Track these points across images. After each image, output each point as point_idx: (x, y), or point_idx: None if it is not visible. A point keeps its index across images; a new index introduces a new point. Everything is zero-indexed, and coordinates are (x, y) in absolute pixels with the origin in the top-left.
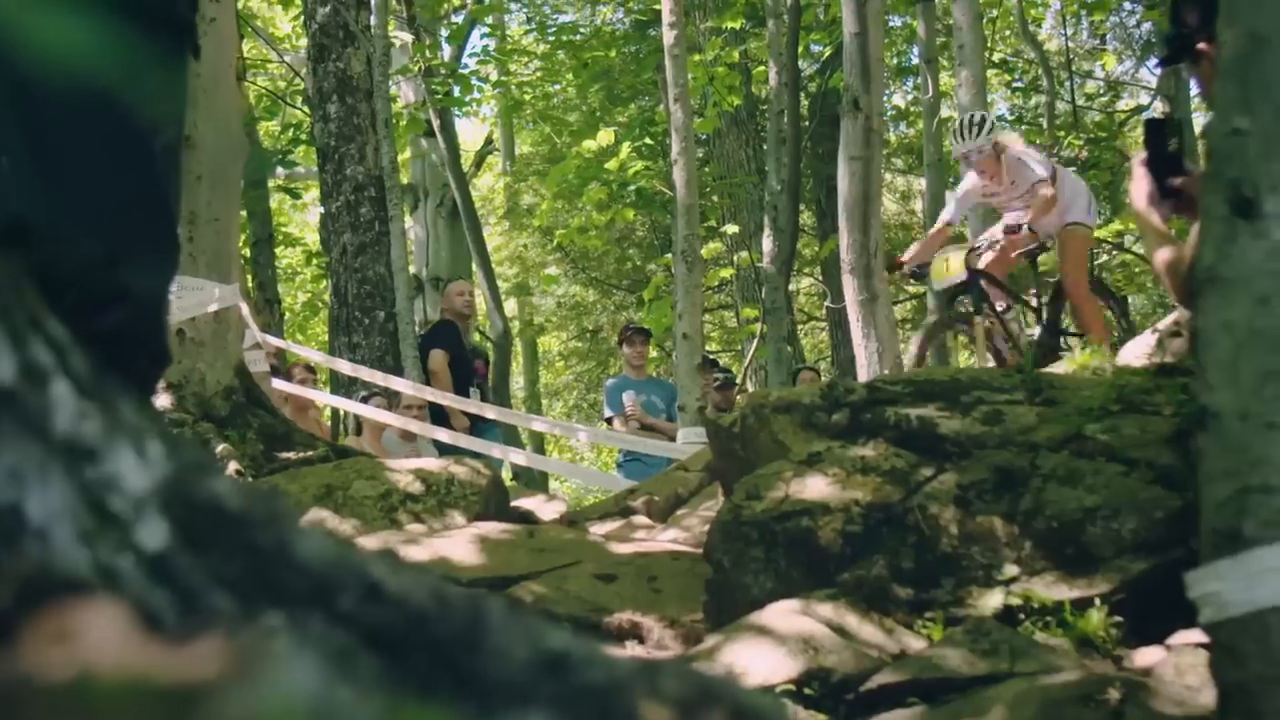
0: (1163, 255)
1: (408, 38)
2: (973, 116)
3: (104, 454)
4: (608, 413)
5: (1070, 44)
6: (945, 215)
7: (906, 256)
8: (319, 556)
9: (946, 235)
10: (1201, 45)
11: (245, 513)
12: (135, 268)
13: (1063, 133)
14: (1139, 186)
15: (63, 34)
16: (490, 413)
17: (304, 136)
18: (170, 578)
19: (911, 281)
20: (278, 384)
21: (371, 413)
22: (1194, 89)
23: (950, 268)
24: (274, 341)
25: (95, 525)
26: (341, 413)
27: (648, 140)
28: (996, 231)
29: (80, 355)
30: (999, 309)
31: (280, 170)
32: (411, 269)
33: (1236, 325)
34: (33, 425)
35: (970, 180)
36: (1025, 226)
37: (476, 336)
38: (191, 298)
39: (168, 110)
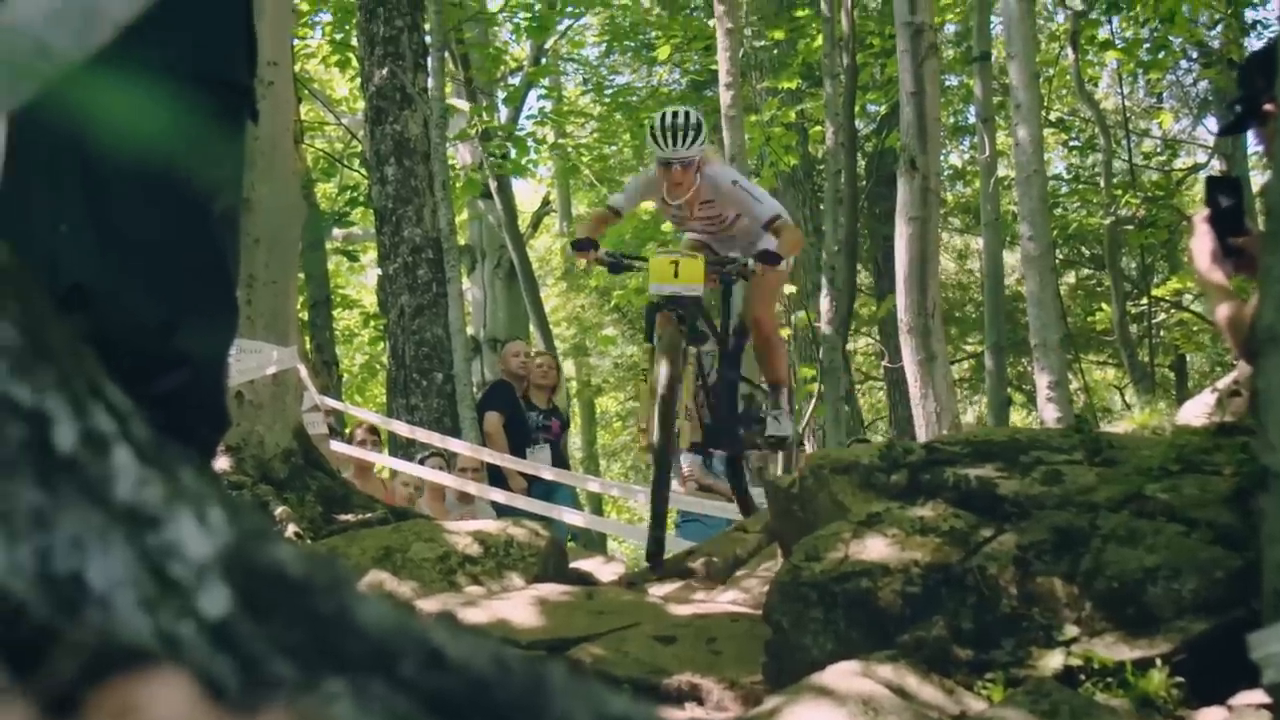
0: (1224, 311)
1: (464, 105)
2: (688, 116)
3: (165, 521)
4: None
5: (1127, 102)
6: (615, 202)
7: (584, 232)
8: (380, 623)
9: (607, 220)
10: (1268, 106)
11: (306, 579)
12: (194, 332)
13: (1120, 191)
14: (1201, 243)
15: (123, 108)
16: (548, 474)
17: (361, 198)
18: (232, 645)
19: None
20: (336, 446)
21: (429, 474)
22: (1252, 146)
23: (683, 273)
24: (332, 404)
25: (157, 593)
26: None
27: None
28: (734, 254)
29: (141, 421)
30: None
31: (338, 232)
32: (469, 330)
33: None
34: (94, 493)
35: (650, 180)
36: (786, 262)
37: (560, 398)
38: (250, 360)
39: (226, 175)
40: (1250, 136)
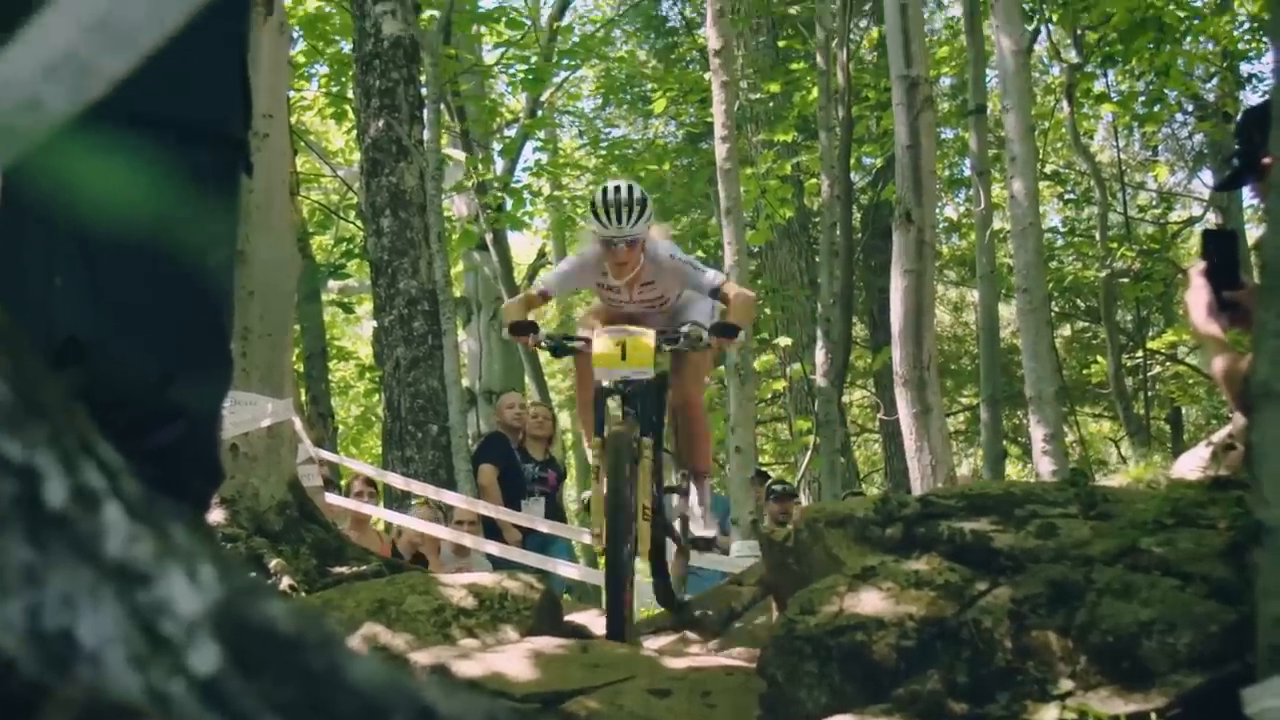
0: (1220, 364)
1: (460, 156)
2: (631, 191)
3: (156, 578)
4: None
5: (1122, 155)
6: (547, 284)
7: (519, 315)
8: (371, 680)
9: (536, 304)
10: (1265, 160)
11: (298, 636)
12: (189, 386)
13: (1115, 244)
14: (1197, 296)
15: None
16: (543, 526)
17: (357, 250)
18: (223, 702)
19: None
20: (331, 499)
21: (423, 526)
22: (1248, 200)
23: (631, 354)
24: (327, 456)
25: (147, 650)
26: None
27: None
28: (685, 328)
29: (132, 478)
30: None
31: (333, 284)
32: (464, 382)
33: None
34: (85, 549)
35: (589, 260)
36: (741, 333)
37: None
38: (245, 412)
39: (220, 229)
40: (1246, 190)
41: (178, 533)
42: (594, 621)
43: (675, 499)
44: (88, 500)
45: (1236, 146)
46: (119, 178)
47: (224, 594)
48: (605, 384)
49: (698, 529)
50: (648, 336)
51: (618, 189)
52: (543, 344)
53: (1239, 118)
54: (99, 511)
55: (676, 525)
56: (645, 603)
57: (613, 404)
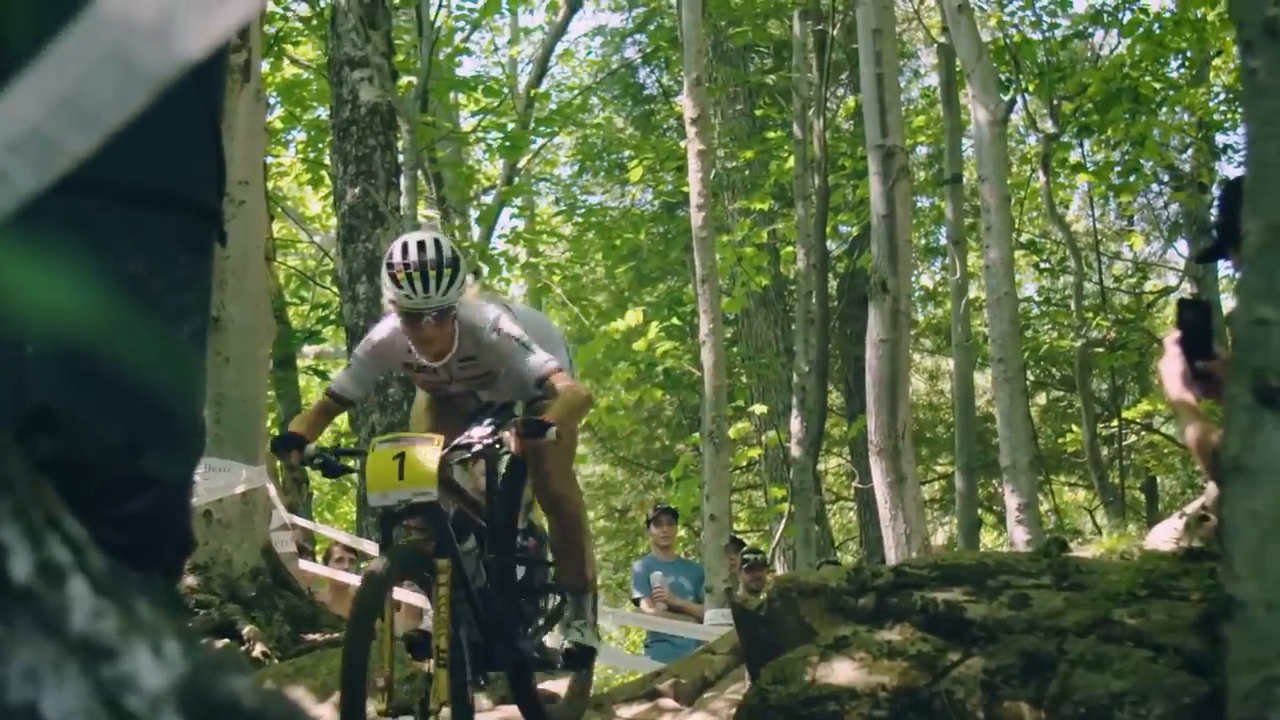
0: (1193, 433)
1: (437, 218)
2: (439, 248)
3: (121, 652)
4: (635, 594)
5: (1098, 225)
6: (341, 386)
7: (297, 427)
8: None
9: (330, 412)
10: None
11: (261, 711)
12: (159, 454)
13: (1091, 313)
14: (1171, 365)
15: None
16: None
17: (333, 316)
18: None
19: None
20: (305, 565)
21: (404, 594)
22: (1223, 270)
23: (411, 472)
24: (301, 522)
25: None
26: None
27: (676, 320)
28: (481, 431)
29: (98, 552)
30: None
31: (309, 350)
32: None
33: (1262, 515)
34: (50, 624)
35: (388, 339)
36: (553, 431)
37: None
38: (218, 479)
39: (193, 298)
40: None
41: (143, 607)
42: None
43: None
44: (53, 575)
45: (1216, 218)
46: (90, 247)
47: (188, 669)
48: (377, 504)
49: (577, 638)
50: (431, 450)
51: (421, 245)
52: (311, 460)
53: (1219, 189)
54: (64, 586)
55: (561, 636)
56: (621, 670)
57: (407, 528)
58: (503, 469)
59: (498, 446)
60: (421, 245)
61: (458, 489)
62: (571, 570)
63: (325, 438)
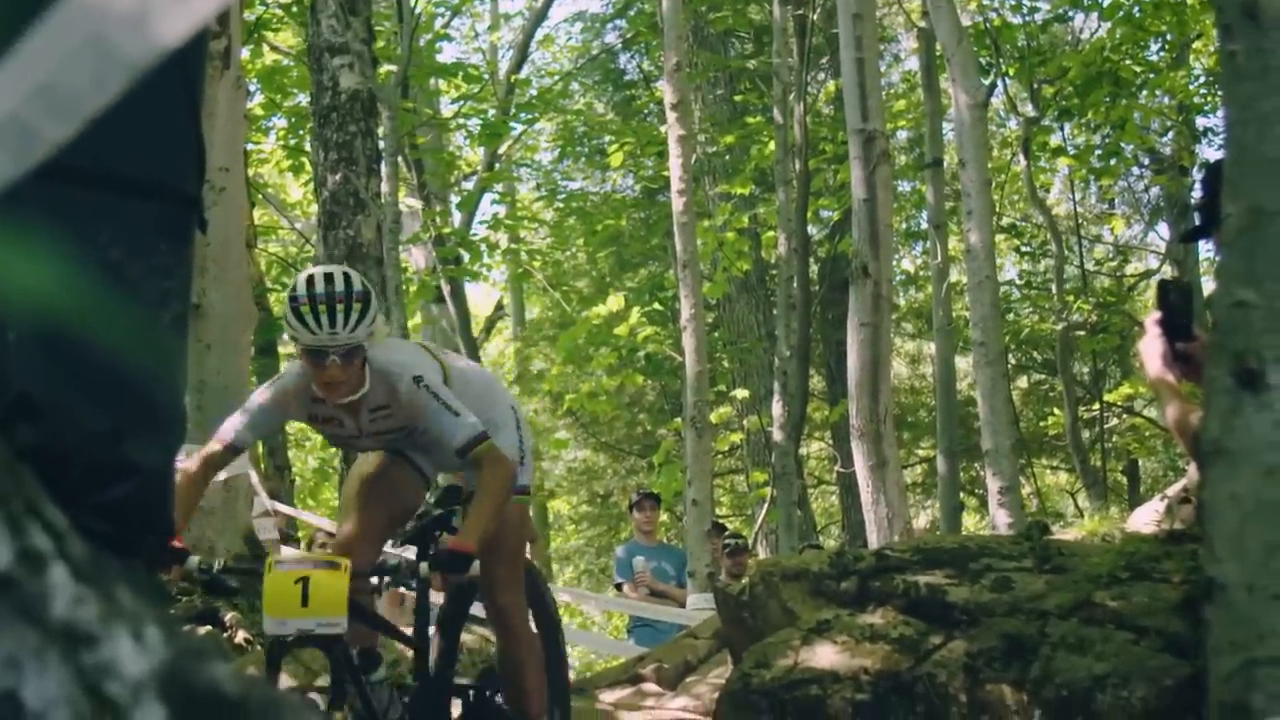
0: (1173, 413)
1: (418, 205)
2: (347, 281)
3: (101, 639)
4: (618, 579)
5: (1079, 208)
6: (233, 433)
7: (180, 511)
8: None
9: (216, 464)
10: None
11: (242, 697)
12: (140, 442)
13: (1072, 297)
14: (1151, 346)
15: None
16: None
17: None
18: None
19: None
20: (288, 552)
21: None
22: (1204, 252)
23: (316, 598)
24: (283, 509)
25: (93, 711)
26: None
27: (657, 305)
28: (394, 554)
29: (78, 539)
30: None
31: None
32: None
33: (1243, 497)
34: (30, 611)
35: (291, 383)
36: (475, 565)
37: None
38: None
39: (174, 285)
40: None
41: (124, 594)
42: None
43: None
44: (34, 562)
45: (1199, 199)
46: (71, 234)
47: (170, 655)
48: (272, 631)
49: None
50: (338, 576)
51: (328, 278)
52: (194, 575)
53: (1202, 171)
54: (45, 573)
55: None
56: (604, 655)
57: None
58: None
59: (412, 582)
60: (329, 278)
61: (369, 617)
62: (516, 696)
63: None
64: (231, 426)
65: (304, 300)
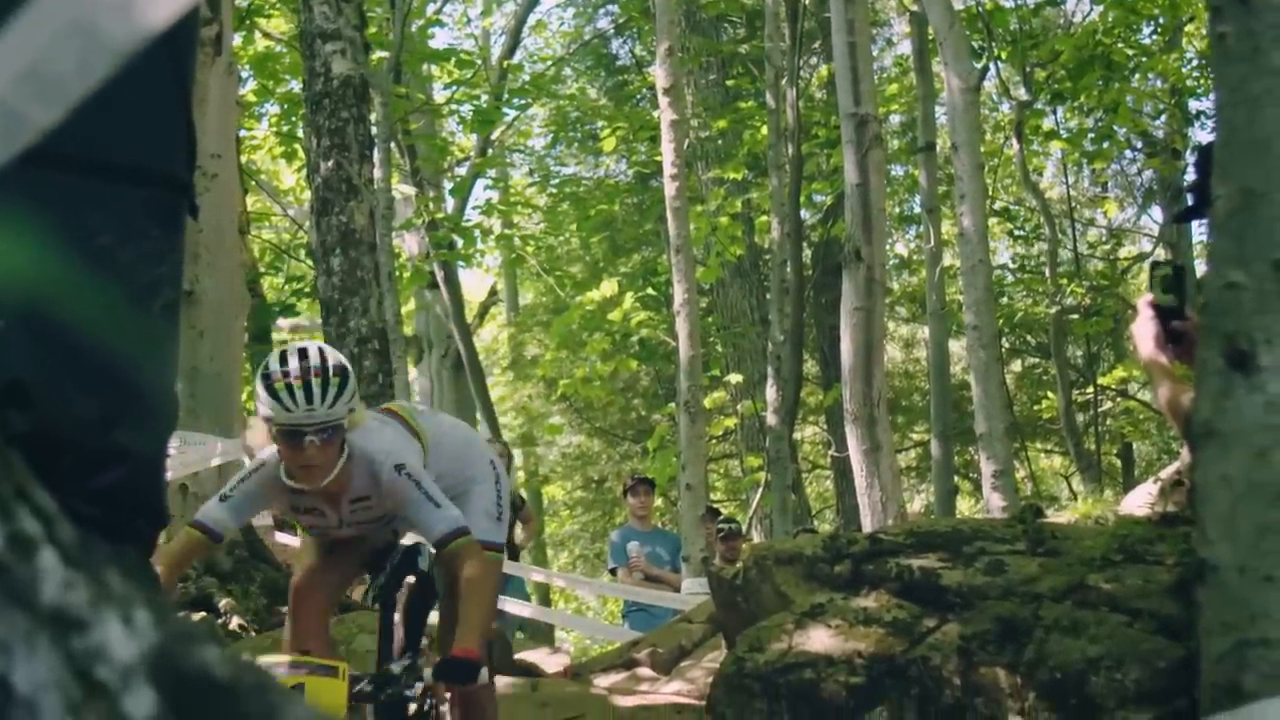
0: (1166, 393)
1: (411, 191)
2: (324, 359)
3: (91, 623)
4: (612, 564)
5: (1072, 192)
6: (213, 517)
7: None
8: None
9: (198, 551)
10: None
11: (233, 682)
12: (131, 428)
13: (1065, 280)
14: (1144, 327)
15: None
16: None
17: (308, 289)
18: None
19: None
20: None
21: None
22: (1197, 235)
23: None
24: None
25: (83, 696)
26: None
27: (651, 290)
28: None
29: (68, 523)
30: None
31: (284, 323)
32: None
33: (1234, 479)
34: (20, 596)
35: (269, 469)
36: (484, 673)
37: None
38: (194, 452)
39: (165, 271)
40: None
41: (113, 578)
42: (545, 660)
43: None
44: (23, 546)
45: (1193, 179)
46: (61, 221)
47: (160, 640)
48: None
49: None
50: (336, 685)
51: (303, 353)
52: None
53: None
54: (34, 558)
55: None
56: (599, 640)
57: None
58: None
59: (426, 695)
60: (303, 353)
61: None
62: None
63: None
64: (210, 514)
65: (278, 376)
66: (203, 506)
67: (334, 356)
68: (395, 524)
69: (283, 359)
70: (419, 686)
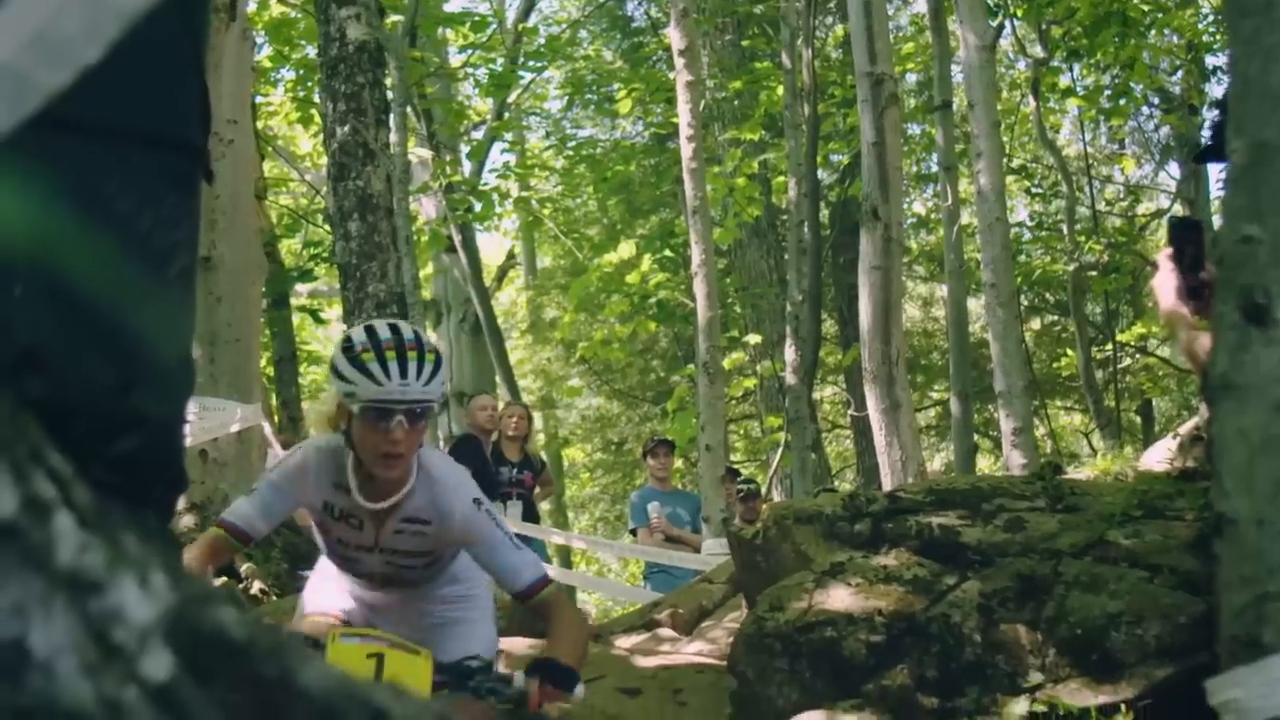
0: (1190, 342)
1: (427, 155)
2: (420, 338)
3: (107, 586)
4: (633, 524)
5: (1089, 149)
6: (244, 517)
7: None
8: (323, 685)
9: (222, 551)
10: None
11: (250, 643)
12: (148, 393)
13: (1083, 237)
14: (1166, 280)
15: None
16: (514, 529)
17: (325, 254)
18: (175, 709)
19: None
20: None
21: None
22: (1214, 191)
23: (395, 680)
24: None
25: (99, 658)
26: None
27: (668, 252)
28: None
29: (83, 486)
30: None
31: (302, 288)
32: None
33: (1251, 432)
34: (35, 559)
35: (314, 462)
36: (582, 688)
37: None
38: (214, 418)
39: (181, 236)
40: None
41: (129, 540)
42: None
43: None
44: (38, 509)
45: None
46: (77, 187)
47: (176, 601)
48: None
49: None
50: (420, 662)
51: (394, 327)
52: None
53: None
54: (50, 521)
55: None
56: (620, 601)
57: None
58: None
59: (520, 695)
60: (394, 327)
61: None
62: None
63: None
64: (238, 513)
65: (366, 347)
66: (231, 505)
67: (429, 339)
68: (435, 569)
69: (371, 332)
70: (513, 682)
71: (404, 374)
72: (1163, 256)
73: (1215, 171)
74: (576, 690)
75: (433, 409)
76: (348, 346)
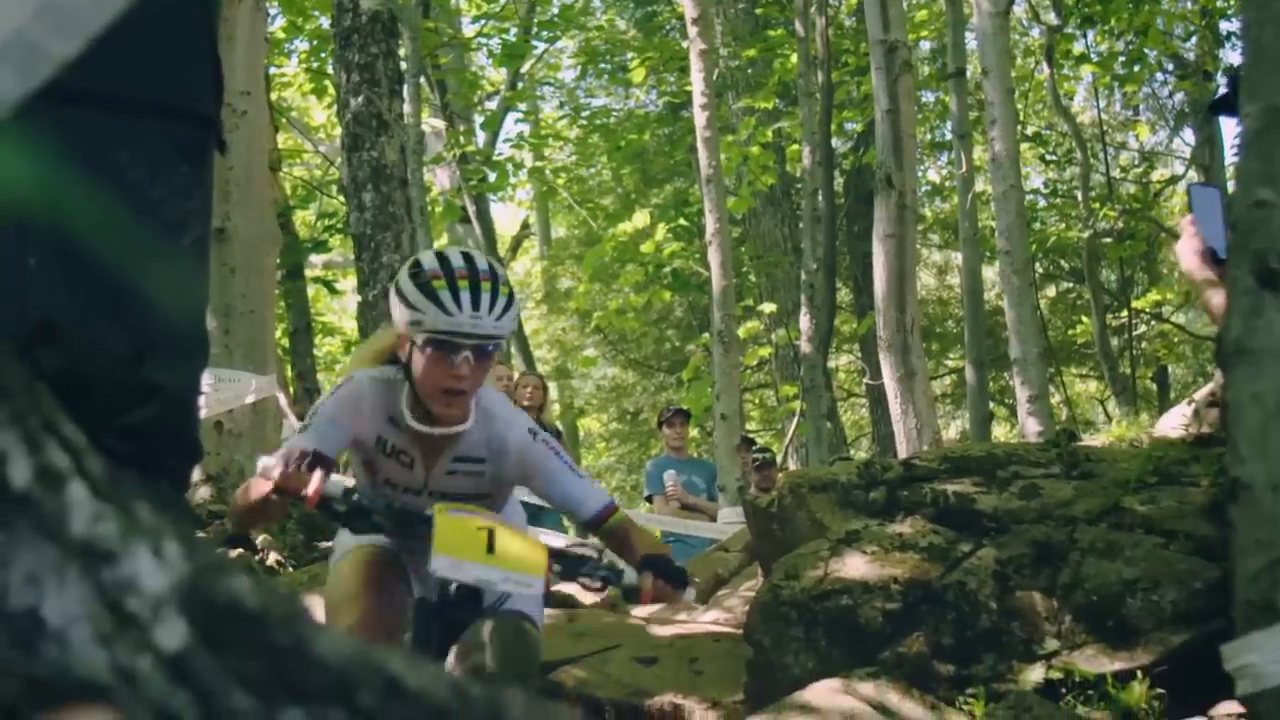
0: (1215, 300)
1: (441, 125)
2: (493, 268)
3: (121, 555)
4: (648, 491)
5: (1103, 115)
6: (318, 438)
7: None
8: (338, 653)
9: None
10: None
11: (263, 611)
12: (162, 364)
13: (1098, 204)
14: (1188, 244)
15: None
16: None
17: (340, 225)
18: (189, 678)
19: None
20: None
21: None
22: (1229, 157)
23: (505, 553)
24: None
25: (113, 627)
26: None
27: (683, 221)
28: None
29: (96, 456)
30: None
31: (316, 259)
32: None
33: (1265, 397)
34: (49, 528)
35: (371, 391)
36: (692, 590)
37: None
38: (229, 390)
39: (194, 206)
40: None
41: (143, 510)
42: (581, 591)
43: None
44: (52, 479)
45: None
46: (91, 157)
47: (190, 570)
48: (450, 585)
49: None
50: (534, 538)
51: (468, 256)
52: (329, 506)
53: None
54: (63, 490)
55: None
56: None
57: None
58: None
59: (618, 584)
60: (468, 256)
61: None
62: None
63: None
64: (301, 438)
65: (438, 274)
66: (290, 442)
67: (502, 270)
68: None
69: (443, 258)
70: (624, 576)
71: (476, 305)
72: (1185, 221)
73: (1230, 137)
74: (688, 591)
75: (501, 347)
76: (416, 272)
